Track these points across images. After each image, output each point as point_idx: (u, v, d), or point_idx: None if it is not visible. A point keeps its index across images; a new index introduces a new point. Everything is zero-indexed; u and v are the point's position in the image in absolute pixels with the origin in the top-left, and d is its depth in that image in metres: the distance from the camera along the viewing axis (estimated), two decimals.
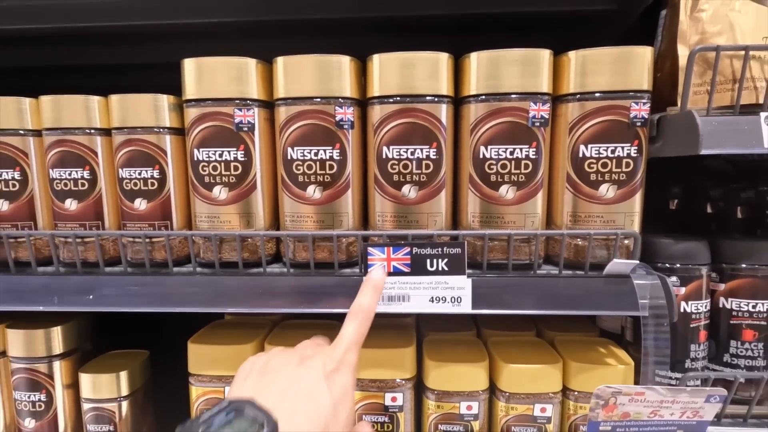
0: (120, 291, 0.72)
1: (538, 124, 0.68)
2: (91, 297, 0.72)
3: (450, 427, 0.76)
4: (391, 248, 0.69)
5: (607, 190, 0.69)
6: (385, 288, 0.68)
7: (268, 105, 0.72)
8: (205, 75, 0.69)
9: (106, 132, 0.75)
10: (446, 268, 0.68)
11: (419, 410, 0.80)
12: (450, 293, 0.69)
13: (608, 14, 0.88)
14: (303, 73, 0.69)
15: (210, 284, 0.71)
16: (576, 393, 0.75)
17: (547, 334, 0.89)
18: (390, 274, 0.68)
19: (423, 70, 0.67)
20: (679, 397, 0.59)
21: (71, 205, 0.75)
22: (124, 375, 0.82)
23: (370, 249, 0.69)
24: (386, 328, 0.85)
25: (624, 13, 0.87)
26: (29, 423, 0.83)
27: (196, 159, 0.71)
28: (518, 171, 0.69)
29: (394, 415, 0.77)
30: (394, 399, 0.77)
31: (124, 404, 0.82)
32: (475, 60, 0.67)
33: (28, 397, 0.82)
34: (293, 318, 0.93)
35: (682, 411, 0.61)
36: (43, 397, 0.82)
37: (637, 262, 0.67)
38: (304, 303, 0.71)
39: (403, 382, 0.77)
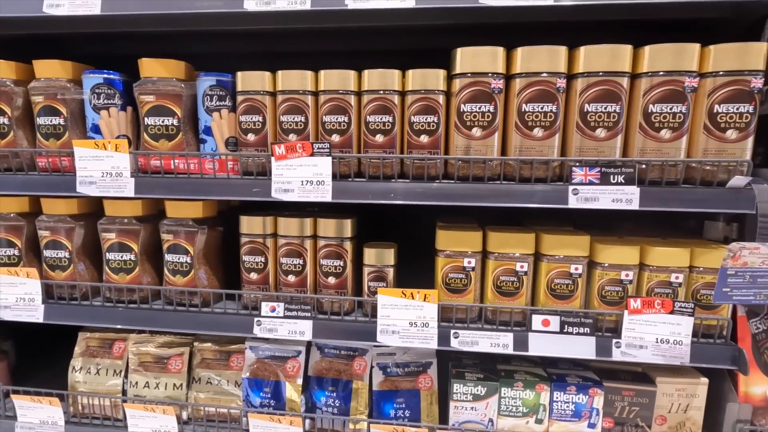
0: (413, 193, 1.18)
1: (689, 90, 1.08)
2: (392, 195, 1.19)
3: (613, 287, 1.20)
4: (587, 167, 1.12)
5: (731, 134, 1.08)
6: (582, 192, 1.11)
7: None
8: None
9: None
10: (622, 181, 1.11)
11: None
12: (625, 196, 1.11)
13: (723, 21, 1.26)
14: (538, 56, 1.12)
15: (467, 188, 1.16)
16: (701, 268, 1.17)
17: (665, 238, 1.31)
18: (586, 183, 1.11)
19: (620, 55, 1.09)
20: None
21: (424, 138, 1.21)
22: (393, 251, 1.29)
23: (575, 168, 1.12)
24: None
25: (735, 20, 1.25)
26: (331, 280, 1.32)
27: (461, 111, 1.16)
28: (675, 120, 1.10)
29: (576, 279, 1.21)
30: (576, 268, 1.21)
31: (392, 270, 1.30)
32: (649, 50, 1.08)
33: (332, 263, 1.31)
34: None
35: None
36: (341, 263, 1.31)
37: (752, 178, 1.06)
38: (511, 199, 1.15)
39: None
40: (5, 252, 1.43)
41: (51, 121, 1.34)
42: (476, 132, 1.19)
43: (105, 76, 1.32)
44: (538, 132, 1.17)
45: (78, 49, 1.76)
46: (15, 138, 1.37)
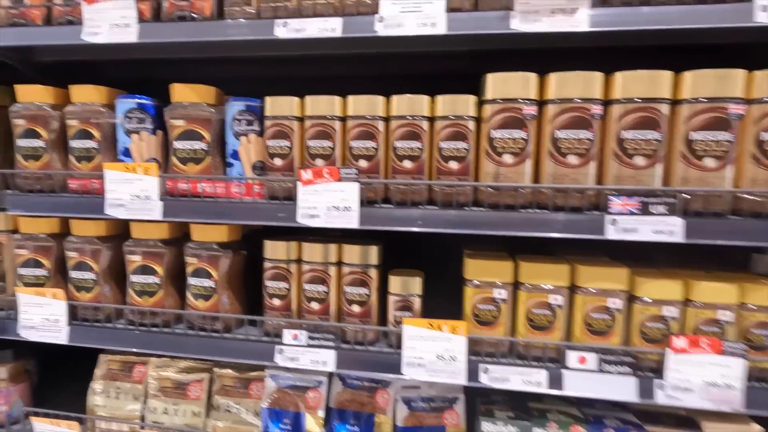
0: (441, 220, 1.14)
1: (735, 117, 1.03)
2: (420, 222, 1.15)
3: (654, 324, 1.12)
4: (626, 196, 1.06)
5: None
6: (621, 222, 1.06)
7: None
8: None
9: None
10: (664, 212, 1.05)
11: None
12: (667, 228, 1.05)
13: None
14: (572, 82, 1.09)
15: (498, 216, 1.12)
16: (752, 306, 1.09)
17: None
18: (625, 214, 1.06)
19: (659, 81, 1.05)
20: None
21: (453, 165, 1.18)
22: (419, 279, 1.25)
23: (612, 197, 1.07)
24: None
25: None
26: (355, 308, 1.28)
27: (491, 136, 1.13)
28: (719, 148, 1.04)
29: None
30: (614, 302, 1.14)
31: (418, 299, 1.25)
32: (690, 75, 1.04)
33: (357, 291, 1.28)
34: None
35: None
36: (365, 291, 1.27)
37: None
38: (545, 229, 1.10)
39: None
40: (34, 272, 1.45)
41: (84, 144, 1.36)
42: (507, 159, 1.15)
43: (138, 101, 1.34)
44: (572, 159, 1.12)
45: (108, 73, 1.81)
46: (50, 160, 1.40)
